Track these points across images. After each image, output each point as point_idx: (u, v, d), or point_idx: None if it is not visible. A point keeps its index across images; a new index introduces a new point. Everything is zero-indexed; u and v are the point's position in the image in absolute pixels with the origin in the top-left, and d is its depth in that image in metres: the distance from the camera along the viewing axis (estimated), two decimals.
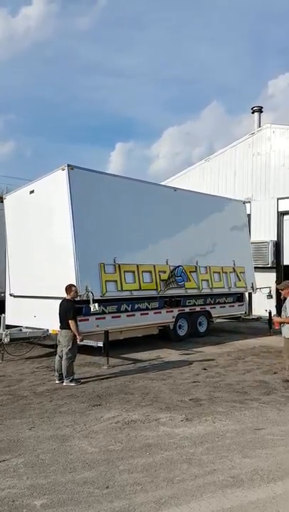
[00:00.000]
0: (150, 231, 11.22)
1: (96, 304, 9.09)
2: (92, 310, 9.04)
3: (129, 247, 10.60)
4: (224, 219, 13.76)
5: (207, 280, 12.65)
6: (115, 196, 10.44)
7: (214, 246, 13.08)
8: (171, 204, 11.97)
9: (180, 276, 11.81)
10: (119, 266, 10.17)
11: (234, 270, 13.63)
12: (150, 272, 10.99)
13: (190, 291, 12.11)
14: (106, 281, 9.83)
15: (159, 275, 11.19)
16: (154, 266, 11.11)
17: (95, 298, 9.34)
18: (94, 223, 9.83)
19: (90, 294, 9.14)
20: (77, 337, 7.63)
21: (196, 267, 12.33)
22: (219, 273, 13.11)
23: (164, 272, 11.35)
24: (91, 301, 9.11)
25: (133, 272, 10.54)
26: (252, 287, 14.42)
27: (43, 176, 10.32)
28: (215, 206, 13.60)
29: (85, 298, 9.07)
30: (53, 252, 9.77)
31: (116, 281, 10.09)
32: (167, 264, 11.47)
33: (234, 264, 13.65)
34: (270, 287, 17.10)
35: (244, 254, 14.32)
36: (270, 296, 17.06)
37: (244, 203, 15.09)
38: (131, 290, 10.43)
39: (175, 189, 12.70)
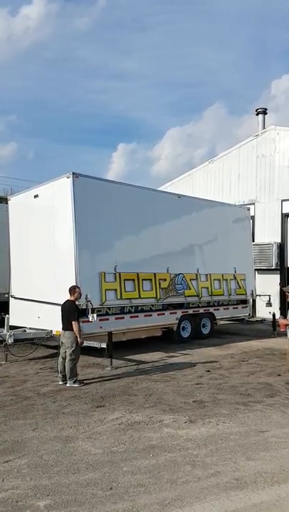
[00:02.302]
0: (152, 239, 11.23)
1: (95, 315, 9.14)
2: (90, 320, 9.03)
3: (131, 255, 10.64)
4: (227, 225, 13.74)
5: (207, 287, 12.65)
6: (119, 204, 10.48)
7: (216, 253, 13.05)
8: (175, 211, 11.97)
9: (180, 284, 11.82)
10: (119, 274, 10.20)
11: (235, 277, 13.62)
12: (150, 279, 11.01)
13: (189, 298, 12.13)
14: (106, 289, 9.89)
15: (159, 283, 11.21)
16: (155, 274, 11.12)
17: (94, 307, 9.41)
18: (96, 232, 9.89)
19: (89, 303, 9.15)
20: (78, 339, 7.64)
21: (196, 274, 12.33)
22: (219, 280, 13.10)
23: (165, 280, 11.37)
24: (89, 312, 9.15)
25: (133, 280, 10.58)
26: (252, 294, 14.41)
27: (47, 181, 10.39)
28: (219, 213, 13.59)
29: (84, 307, 9.07)
30: (54, 259, 9.83)
31: (116, 289, 10.14)
32: (168, 272, 11.48)
33: (235, 271, 13.63)
34: (269, 295, 17.14)
35: (245, 260, 14.30)
36: (269, 304, 17.11)
37: (248, 209, 15.06)
38: (130, 298, 10.46)
39: (179, 196, 12.65)
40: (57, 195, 9.88)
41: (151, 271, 11.05)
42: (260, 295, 16.68)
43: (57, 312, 8.16)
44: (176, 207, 12.06)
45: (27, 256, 10.73)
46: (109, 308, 10.08)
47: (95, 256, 9.85)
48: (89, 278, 9.45)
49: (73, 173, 9.50)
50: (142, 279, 10.77)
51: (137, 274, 10.67)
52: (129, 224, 10.71)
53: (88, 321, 9.24)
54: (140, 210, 11.03)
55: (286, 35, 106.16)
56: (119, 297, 10.18)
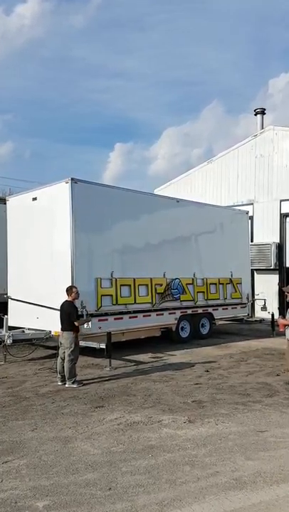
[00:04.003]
0: (150, 243, 11.25)
1: (90, 323, 9.13)
2: (85, 327, 9.02)
3: (128, 261, 10.67)
4: (226, 230, 13.72)
5: (203, 292, 12.66)
6: (117, 209, 10.50)
7: (213, 257, 13.03)
8: (173, 216, 11.96)
9: (176, 289, 11.82)
10: (116, 280, 10.23)
11: (231, 281, 13.63)
12: (146, 285, 11.03)
13: (185, 303, 12.13)
14: (102, 295, 9.92)
15: (155, 288, 11.23)
16: (151, 279, 11.14)
17: (90, 312, 9.39)
18: (94, 238, 9.95)
19: (84, 311, 9.14)
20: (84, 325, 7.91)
21: (193, 279, 12.35)
22: (216, 284, 13.10)
23: (161, 285, 11.39)
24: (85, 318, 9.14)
25: (129, 285, 10.60)
26: (247, 298, 14.41)
27: (46, 184, 10.48)
28: (217, 217, 13.61)
29: (79, 313, 9.07)
30: (51, 263, 9.85)
31: (112, 295, 10.17)
32: (164, 277, 11.50)
33: (231, 275, 13.64)
34: (264, 299, 17.18)
35: (242, 264, 14.32)
36: (264, 308, 17.15)
37: (247, 213, 15.09)
38: (126, 304, 10.49)
39: (178, 200, 12.66)
40: (55, 200, 9.93)
41: (147, 276, 11.07)
42: (255, 299, 16.75)
43: (55, 313, 8.16)
44: (175, 211, 12.07)
45: (24, 257, 10.72)
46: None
47: (92, 262, 9.90)
48: (85, 284, 9.43)
49: (72, 179, 9.54)
50: (138, 285, 10.81)
51: (134, 279, 10.69)
52: (127, 228, 10.73)
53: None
54: (138, 214, 11.07)
55: (286, 35, 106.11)
56: (114, 303, 10.22)
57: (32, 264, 10.43)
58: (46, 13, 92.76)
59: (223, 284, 13.33)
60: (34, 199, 10.53)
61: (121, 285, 10.36)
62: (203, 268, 12.69)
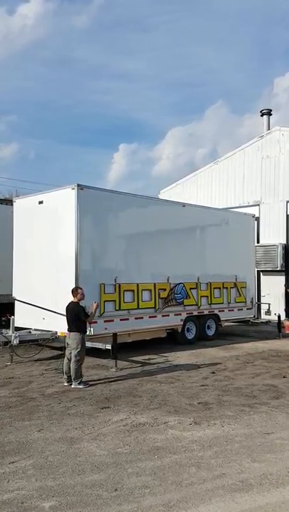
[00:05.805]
0: (155, 248, 11.26)
1: (92, 329, 9.14)
2: (87, 333, 9.03)
3: (132, 266, 10.73)
4: (232, 234, 13.69)
5: (207, 296, 12.66)
6: (122, 214, 10.56)
7: (218, 261, 13.01)
8: (179, 220, 11.99)
9: (180, 293, 11.83)
10: (119, 285, 10.27)
11: (235, 285, 13.60)
12: (150, 290, 11.05)
13: (188, 308, 12.12)
14: (105, 301, 9.95)
15: (159, 293, 11.25)
16: (155, 284, 11.16)
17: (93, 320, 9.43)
18: (99, 244, 10.03)
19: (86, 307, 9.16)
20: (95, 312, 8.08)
21: (196, 283, 12.33)
22: (220, 288, 13.08)
23: (164, 290, 11.40)
24: (88, 325, 9.17)
25: (133, 290, 10.63)
26: (251, 302, 14.37)
27: (53, 189, 10.57)
28: (224, 221, 13.59)
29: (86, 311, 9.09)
30: (55, 267, 9.90)
31: (115, 300, 10.21)
32: (168, 281, 11.51)
33: (236, 279, 13.61)
34: (269, 304, 17.12)
35: (247, 268, 14.32)
36: (268, 312, 17.09)
37: (253, 216, 15.05)
38: (128, 309, 10.52)
39: (184, 205, 12.66)
40: (61, 205, 9.99)
41: (151, 281, 11.10)
42: (259, 303, 16.69)
43: (62, 313, 8.18)
44: (180, 216, 12.09)
45: (30, 259, 10.75)
46: None
47: (96, 268, 9.96)
48: (89, 290, 9.42)
49: (78, 185, 9.61)
50: (142, 290, 10.83)
51: (137, 284, 10.72)
52: (132, 234, 10.78)
53: (94, 323, 9.25)
54: (143, 219, 11.09)
55: (286, 35, 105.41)
56: (117, 308, 10.25)
57: (37, 267, 10.47)
58: (48, 13, 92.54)
59: (227, 288, 13.31)
60: (40, 202, 10.59)
61: (124, 290, 10.40)
62: (208, 272, 12.69)
